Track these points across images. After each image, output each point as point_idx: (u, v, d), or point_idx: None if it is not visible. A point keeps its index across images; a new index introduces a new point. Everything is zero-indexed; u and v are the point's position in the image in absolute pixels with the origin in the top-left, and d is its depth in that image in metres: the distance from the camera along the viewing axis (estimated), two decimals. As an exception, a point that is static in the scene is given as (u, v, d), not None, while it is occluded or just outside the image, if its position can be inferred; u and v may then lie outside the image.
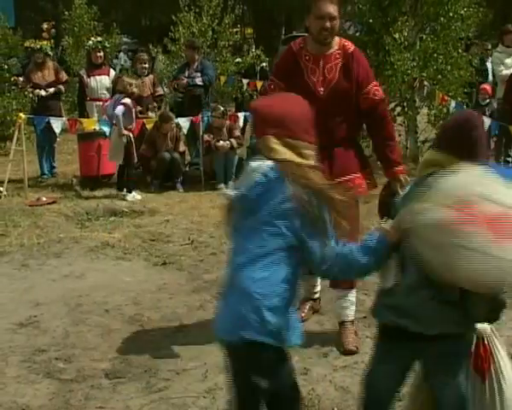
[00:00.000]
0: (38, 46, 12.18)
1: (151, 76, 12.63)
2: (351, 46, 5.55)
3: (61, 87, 12.09)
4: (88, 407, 4.79)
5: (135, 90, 10.91)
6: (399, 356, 3.68)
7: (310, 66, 5.47)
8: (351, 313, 5.80)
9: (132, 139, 10.80)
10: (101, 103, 12.05)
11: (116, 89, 11.23)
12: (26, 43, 16.22)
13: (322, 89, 5.42)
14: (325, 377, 5.12)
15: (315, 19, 5.38)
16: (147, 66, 12.71)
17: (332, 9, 5.32)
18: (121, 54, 26.32)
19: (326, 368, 5.25)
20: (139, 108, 11.67)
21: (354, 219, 4.55)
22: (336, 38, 5.51)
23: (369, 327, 5.88)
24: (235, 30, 17.10)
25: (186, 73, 12.48)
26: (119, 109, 10.64)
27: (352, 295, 5.80)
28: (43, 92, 11.82)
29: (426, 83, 13.08)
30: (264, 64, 17.03)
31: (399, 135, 13.35)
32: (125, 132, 10.60)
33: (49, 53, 12.65)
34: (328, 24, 5.32)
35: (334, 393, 4.90)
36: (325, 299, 6.56)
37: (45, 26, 18.20)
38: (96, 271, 7.49)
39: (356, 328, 5.84)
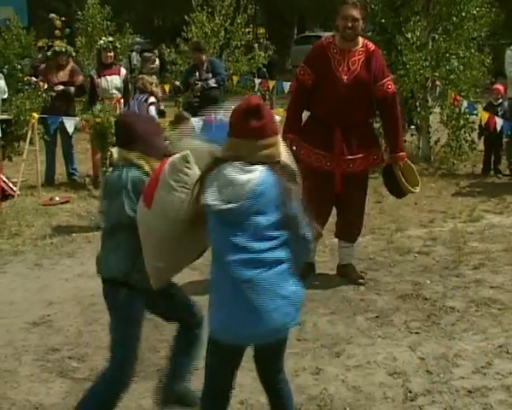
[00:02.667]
0: (64, 49, 12.17)
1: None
2: (372, 46, 6.81)
3: (72, 89, 12.04)
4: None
5: (156, 89, 10.97)
6: None
7: (337, 58, 6.66)
8: (351, 258, 7.16)
9: None
10: (112, 103, 12.04)
11: (136, 88, 11.27)
12: (39, 43, 16.28)
13: (346, 77, 6.61)
14: (337, 376, 5.14)
15: (341, 19, 6.64)
16: (154, 66, 12.74)
17: (355, 12, 6.56)
18: (134, 54, 26.40)
19: (338, 368, 5.26)
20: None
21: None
22: (360, 38, 6.75)
23: (381, 327, 5.92)
24: (247, 30, 17.07)
25: (196, 75, 12.47)
26: (152, 110, 10.71)
27: (352, 246, 7.17)
28: (56, 88, 11.84)
29: (438, 83, 13.05)
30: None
31: (412, 135, 13.35)
32: None
33: (73, 54, 12.66)
34: (350, 24, 6.55)
35: (347, 393, 4.91)
36: (337, 299, 6.58)
37: (57, 22, 18.24)
38: (108, 270, 7.50)
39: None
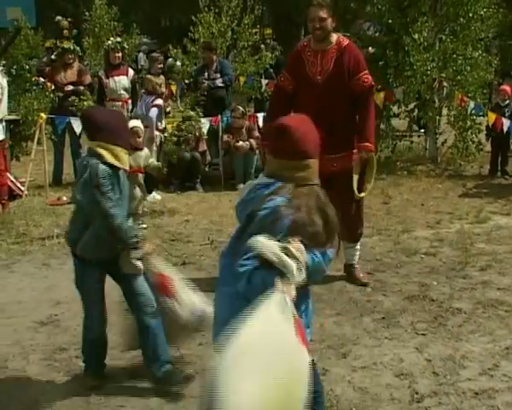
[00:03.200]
0: (71, 47, 12.21)
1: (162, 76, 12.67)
2: (345, 41, 6.80)
3: (81, 88, 12.09)
4: (108, 405, 4.83)
5: (164, 90, 10.99)
6: None
7: (311, 60, 6.74)
8: (356, 258, 7.19)
9: (163, 139, 10.92)
10: (120, 104, 12.06)
11: (144, 89, 11.30)
12: (47, 44, 16.30)
13: (319, 77, 6.70)
14: (344, 377, 5.13)
15: (309, 21, 6.79)
16: (161, 66, 12.76)
17: (321, 13, 6.60)
18: (141, 54, 26.42)
19: (345, 369, 5.26)
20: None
21: None
22: (334, 36, 6.78)
23: (388, 328, 5.92)
24: (254, 30, 17.05)
25: (205, 75, 12.50)
26: (154, 111, 10.74)
27: (356, 246, 7.15)
28: (66, 88, 11.86)
29: (445, 83, 13.05)
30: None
31: (418, 136, 13.34)
32: (157, 133, 10.73)
33: (80, 54, 12.68)
34: (318, 25, 6.62)
35: (353, 393, 4.91)
36: (343, 300, 6.59)
37: (64, 23, 18.23)
38: (115, 270, 7.52)
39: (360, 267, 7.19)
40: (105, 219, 4.65)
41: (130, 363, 5.40)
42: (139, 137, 7.98)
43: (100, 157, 4.67)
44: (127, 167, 4.88)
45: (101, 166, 4.64)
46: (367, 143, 6.76)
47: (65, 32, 18.07)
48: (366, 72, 6.77)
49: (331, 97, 6.62)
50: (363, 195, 6.95)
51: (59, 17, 18.26)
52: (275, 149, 3.67)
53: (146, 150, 8.48)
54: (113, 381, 5.14)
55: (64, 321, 6.21)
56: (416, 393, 4.88)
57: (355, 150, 6.82)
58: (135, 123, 8.04)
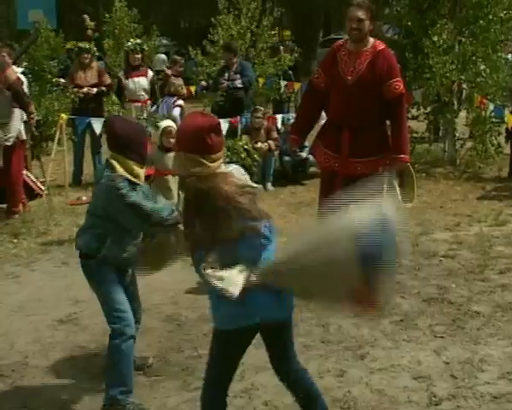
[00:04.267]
0: (87, 46, 12.28)
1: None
2: (381, 46, 6.74)
3: (104, 89, 12.18)
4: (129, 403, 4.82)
5: (185, 91, 11.04)
6: None
7: (344, 59, 6.70)
8: None
9: None
10: (139, 104, 12.13)
11: (166, 91, 11.35)
12: (68, 45, 16.38)
13: (350, 78, 6.62)
14: (361, 379, 5.14)
15: (347, 21, 6.73)
16: (181, 68, 12.83)
17: (360, 13, 6.55)
18: (159, 55, 26.46)
19: (362, 370, 5.26)
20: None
21: None
22: (371, 39, 6.72)
23: (406, 330, 5.92)
24: (273, 32, 17.06)
25: (226, 76, 12.53)
26: (177, 110, 10.78)
27: None
28: (85, 89, 11.93)
29: (464, 86, 13.01)
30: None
31: (435, 140, 13.29)
32: None
33: (97, 54, 12.76)
34: (355, 25, 6.56)
35: (370, 395, 4.91)
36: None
37: (88, 21, 18.27)
38: (134, 270, 7.55)
39: None
40: (143, 217, 4.67)
41: (149, 362, 5.43)
42: (172, 138, 7.80)
43: (112, 168, 4.72)
44: (140, 182, 4.86)
45: (119, 182, 4.67)
46: (402, 156, 6.71)
47: (89, 31, 18.16)
48: (398, 79, 6.69)
49: (359, 99, 6.57)
50: (410, 205, 6.93)
51: (85, 15, 18.37)
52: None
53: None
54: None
55: (83, 319, 6.26)
56: (434, 396, 4.88)
57: (382, 159, 6.74)
58: (168, 123, 7.88)
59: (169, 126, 7.60)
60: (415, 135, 12.94)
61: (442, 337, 5.80)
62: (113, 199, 4.68)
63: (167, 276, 7.26)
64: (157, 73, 15.91)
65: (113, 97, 11.92)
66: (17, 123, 9.53)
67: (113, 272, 4.88)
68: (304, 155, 11.88)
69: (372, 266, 3.46)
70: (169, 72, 14.59)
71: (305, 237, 3.76)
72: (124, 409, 4.68)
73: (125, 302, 4.85)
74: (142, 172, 4.86)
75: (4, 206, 9.81)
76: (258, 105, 12.92)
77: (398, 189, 6.70)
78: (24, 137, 9.78)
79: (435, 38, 12.31)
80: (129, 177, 4.72)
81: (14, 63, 9.98)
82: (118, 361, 4.66)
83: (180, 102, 11.08)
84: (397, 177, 6.75)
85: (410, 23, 13.12)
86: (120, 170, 4.70)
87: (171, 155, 7.99)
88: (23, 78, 9.91)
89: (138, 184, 4.80)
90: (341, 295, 3.67)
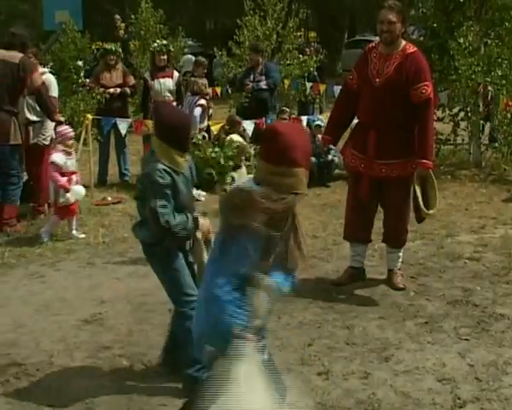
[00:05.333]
0: (113, 47, 12.35)
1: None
2: (411, 49, 6.73)
3: (128, 90, 12.25)
4: (150, 403, 4.88)
5: (208, 90, 11.06)
6: None
7: (375, 61, 6.73)
8: (398, 264, 7.10)
9: (207, 138, 11.00)
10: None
11: (189, 90, 11.37)
12: (94, 46, 16.48)
13: (378, 80, 6.64)
14: (386, 381, 5.12)
15: (378, 23, 6.71)
16: (204, 70, 12.86)
17: (391, 16, 6.58)
18: (185, 56, 26.52)
19: (387, 373, 5.25)
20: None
21: None
22: (402, 42, 6.72)
23: (431, 333, 5.90)
24: (298, 34, 17.08)
25: (251, 77, 12.54)
26: (198, 111, 10.81)
27: (398, 252, 7.07)
28: (111, 90, 12.00)
29: (490, 88, 12.94)
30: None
31: (462, 140, 13.23)
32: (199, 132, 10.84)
33: (122, 56, 12.85)
34: (385, 27, 6.59)
35: (395, 398, 4.90)
36: (386, 304, 6.57)
37: (119, 23, 18.30)
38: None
39: (402, 272, 7.11)
40: (152, 214, 4.71)
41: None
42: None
43: (155, 155, 4.82)
44: (180, 169, 4.87)
45: (159, 165, 4.74)
46: (424, 161, 6.61)
47: (121, 32, 18.21)
48: (427, 83, 6.61)
49: (387, 102, 6.57)
50: (431, 212, 6.88)
51: (117, 16, 18.42)
52: (263, 153, 3.57)
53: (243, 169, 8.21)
54: (155, 380, 5.19)
55: (108, 320, 6.28)
56: (459, 398, 4.86)
57: (409, 162, 6.68)
58: (236, 138, 7.96)
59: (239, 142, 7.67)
60: (440, 137, 12.89)
61: (467, 340, 5.77)
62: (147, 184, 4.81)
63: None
64: (185, 74, 15.98)
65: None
66: (51, 122, 9.61)
67: (179, 254, 4.96)
68: (330, 157, 11.87)
69: None
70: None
71: None
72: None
73: (193, 286, 4.92)
74: (182, 160, 4.89)
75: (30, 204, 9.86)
76: (285, 106, 12.90)
77: (419, 194, 6.67)
78: (53, 136, 9.87)
79: (461, 40, 12.25)
80: (168, 164, 4.77)
81: (40, 63, 10.03)
82: (190, 342, 4.70)
83: (202, 101, 11.09)
84: (418, 182, 6.67)
85: (435, 25, 13.07)
86: (161, 157, 4.78)
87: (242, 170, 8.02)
88: (52, 77, 9.96)
89: (177, 172, 4.83)
90: None
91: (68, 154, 8.81)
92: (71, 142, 8.93)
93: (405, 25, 6.77)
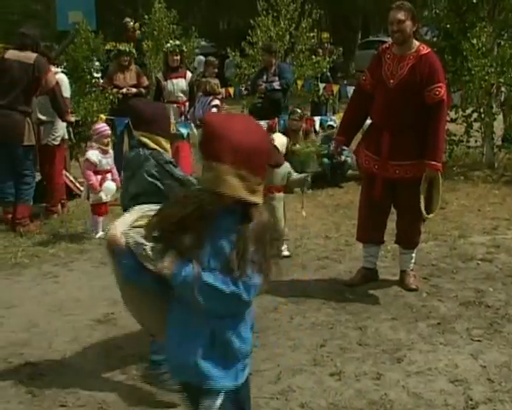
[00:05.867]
0: (127, 48, 12.38)
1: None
2: (425, 50, 6.68)
3: (143, 90, 12.29)
4: (163, 403, 4.87)
5: (221, 90, 11.08)
6: None
7: (388, 62, 6.70)
8: (410, 264, 7.09)
9: None
10: (177, 106, 12.16)
11: (202, 90, 11.39)
12: (107, 46, 16.49)
13: (392, 81, 6.62)
14: (398, 382, 5.11)
15: (388, 24, 6.72)
16: (215, 70, 12.89)
17: (400, 15, 6.57)
18: (197, 57, 26.56)
19: (399, 373, 5.24)
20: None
21: None
22: (416, 43, 6.70)
23: (443, 334, 5.88)
24: (311, 34, 17.05)
25: (264, 78, 12.55)
26: (214, 111, 10.83)
27: (411, 254, 7.06)
28: (124, 90, 12.02)
29: (503, 89, 12.90)
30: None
31: (475, 141, 13.20)
32: None
33: (135, 56, 12.89)
34: (395, 27, 6.57)
35: (407, 399, 4.89)
36: (399, 304, 6.56)
37: (131, 24, 18.31)
38: (172, 272, 7.55)
39: (415, 273, 7.09)
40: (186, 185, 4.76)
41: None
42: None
43: (145, 146, 4.90)
44: (169, 154, 5.04)
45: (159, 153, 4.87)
46: (433, 162, 6.56)
47: (137, 32, 18.21)
48: (440, 84, 6.57)
49: (400, 104, 6.56)
50: (431, 216, 6.87)
51: (127, 19, 18.45)
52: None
53: (286, 165, 8.06)
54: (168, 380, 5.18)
55: (121, 320, 6.25)
56: (471, 399, 4.84)
57: (423, 163, 6.60)
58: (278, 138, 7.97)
59: (276, 143, 7.69)
60: (453, 138, 12.86)
61: (479, 341, 5.76)
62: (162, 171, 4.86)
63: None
64: (198, 74, 15.99)
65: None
66: (62, 122, 9.65)
67: None
68: (343, 157, 11.86)
69: None
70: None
71: None
72: None
73: None
74: (168, 146, 5.03)
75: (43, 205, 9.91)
76: (297, 107, 12.90)
77: (422, 196, 6.64)
78: (66, 136, 9.90)
79: (474, 41, 12.22)
80: (160, 150, 4.92)
81: (53, 63, 10.07)
82: None
83: (216, 101, 11.09)
84: (424, 183, 6.65)
85: (448, 25, 13.05)
86: (152, 145, 4.89)
87: (280, 170, 7.92)
88: (64, 78, 10.00)
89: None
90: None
91: (104, 152, 8.90)
92: (107, 140, 9.03)
93: (417, 23, 6.70)
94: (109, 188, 8.81)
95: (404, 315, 6.30)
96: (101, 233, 8.69)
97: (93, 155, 8.80)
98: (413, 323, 6.13)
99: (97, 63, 13.46)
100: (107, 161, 8.95)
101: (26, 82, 8.97)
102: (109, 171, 8.97)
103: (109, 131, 9.19)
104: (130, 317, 6.18)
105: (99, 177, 8.82)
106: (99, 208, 8.91)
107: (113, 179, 8.92)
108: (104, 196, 8.81)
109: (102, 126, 9.11)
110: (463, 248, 8.25)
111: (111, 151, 9.17)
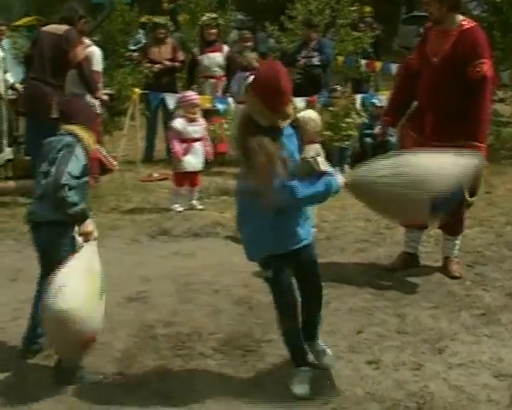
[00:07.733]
0: (163, 21, 12.27)
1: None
2: (467, 24, 6.39)
3: (177, 65, 12.16)
4: (194, 385, 4.78)
5: (257, 65, 10.90)
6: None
7: (432, 39, 6.50)
8: (454, 251, 6.86)
9: None
10: (213, 81, 12.00)
11: (238, 65, 11.21)
12: (142, 19, 16.40)
13: (435, 58, 6.40)
14: (439, 374, 4.91)
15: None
16: (249, 44, 12.64)
17: None
18: (235, 31, 26.33)
19: (440, 365, 5.04)
20: None
21: None
22: (460, 18, 6.40)
23: (487, 325, 5.68)
24: (353, 8, 16.69)
25: (303, 53, 12.33)
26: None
27: (455, 240, 6.84)
28: (158, 65, 11.93)
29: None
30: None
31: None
32: None
33: (171, 29, 12.79)
34: (426, 8, 6.47)
35: (448, 391, 4.69)
36: (441, 292, 6.36)
37: None
38: (205, 250, 7.46)
39: (459, 260, 6.88)
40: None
41: (218, 344, 5.35)
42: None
43: (80, 139, 5.02)
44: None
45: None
46: (475, 143, 6.21)
47: (165, 4, 18.12)
48: (483, 60, 6.25)
49: (444, 81, 6.30)
50: (473, 200, 6.58)
51: None
52: None
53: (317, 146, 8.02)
54: (199, 361, 5.11)
55: (152, 298, 6.19)
56: (516, 396, 4.63)
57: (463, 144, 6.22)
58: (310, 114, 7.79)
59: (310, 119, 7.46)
60: (501, 119, 12.54)
61: (526, 334, 5.53)
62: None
63: (239, 258, 7.13)
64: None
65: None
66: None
67: None
68: (386, 137, 11.58)
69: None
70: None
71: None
72: None
73: None
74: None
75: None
76: (337, 84, 12.63)
77: None
78: (98, 110, 9.76)
79: (525, 16, 11.90)
80: (92, 146, 5.15)
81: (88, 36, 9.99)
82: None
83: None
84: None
85: (498, 0, 12.68)
86: (87, 139, 5.05)
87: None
88: (97, 50, 9.87)
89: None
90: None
91: (191, 120, 8.91)
92: (194, 109, 9.01)
93: (447, 2, 6.30)
94: (189, 163, 8.87)
95: (447, 304, 6.07)
96: (176, 205, 8.68)
97: (177, 122, 8.91)
98: (456, 312, 5.90)
99: (141, 34, 13.38)
100: (194, 129, 8.95)
101: (55, 54, 8.93)
102: (198, 139, 8.98)
103: (198, 101, 9.22)
104: (161, 295, 6.14)
105: (184, 145, 8.84)
106: (181, 178, 8.93)
107: (204, 151, 9.00)
108: (187, 166, 8.81)
109: (189, 95, 9.21)
110: (510, 235, 7.95)
111: (201, 120, 9.15)
